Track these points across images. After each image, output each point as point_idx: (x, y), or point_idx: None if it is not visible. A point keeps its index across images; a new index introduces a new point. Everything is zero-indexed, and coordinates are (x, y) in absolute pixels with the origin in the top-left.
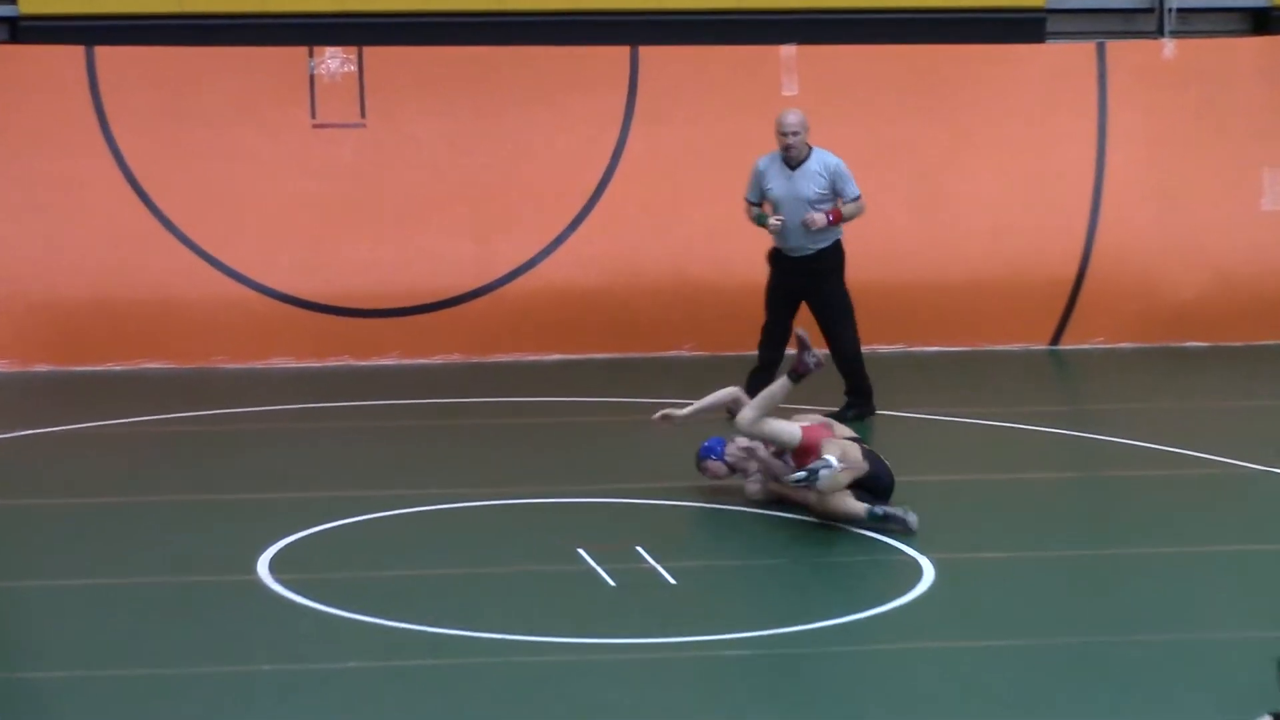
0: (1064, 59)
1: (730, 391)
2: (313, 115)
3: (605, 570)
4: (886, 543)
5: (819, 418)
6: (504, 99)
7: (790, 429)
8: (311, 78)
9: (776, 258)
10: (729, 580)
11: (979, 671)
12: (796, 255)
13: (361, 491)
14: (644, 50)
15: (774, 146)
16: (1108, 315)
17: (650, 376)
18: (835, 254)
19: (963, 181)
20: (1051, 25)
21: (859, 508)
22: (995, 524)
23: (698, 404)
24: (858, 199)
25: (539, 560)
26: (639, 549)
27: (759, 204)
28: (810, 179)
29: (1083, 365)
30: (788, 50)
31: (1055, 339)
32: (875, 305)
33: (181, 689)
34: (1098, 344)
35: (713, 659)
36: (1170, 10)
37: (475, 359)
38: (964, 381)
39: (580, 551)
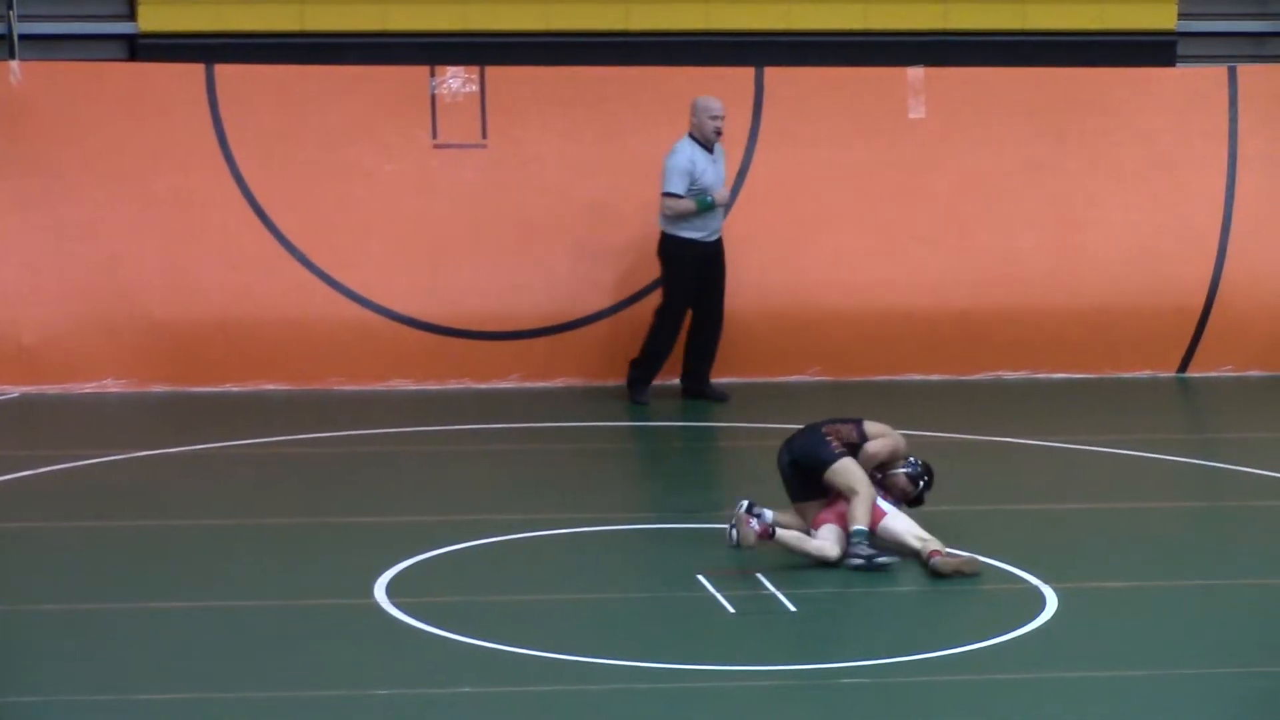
0: (1195, 83)
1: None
2: (434, 135)
3: (725, 597)
4: (1009, 571)
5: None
6: (627, 120)
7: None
8: (433, 97)
9: (690, 249)
10: (850, 608)
11: (1102, 702)
12: (712, 239)
13: (480, 515)
14: (769, 71)
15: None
16: (1237, 343)
17: (771, 402)
18: None
19: (1091, 206)
20: (1182, 49)
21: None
22: (1119, 553)
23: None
24: None
25: (658, 586)
26: (759, 575)
27: (683, 195)
28: (721, 161)
29: (1211, 393)
30: (915, 72)
31: (1183, 366)
32: (1001, 331)
33: (297, 713)
34: (1226, 372)
35: (833, 687)
36: None
37: (596, 383)
38: (1090, 409)
39: (700, 578)
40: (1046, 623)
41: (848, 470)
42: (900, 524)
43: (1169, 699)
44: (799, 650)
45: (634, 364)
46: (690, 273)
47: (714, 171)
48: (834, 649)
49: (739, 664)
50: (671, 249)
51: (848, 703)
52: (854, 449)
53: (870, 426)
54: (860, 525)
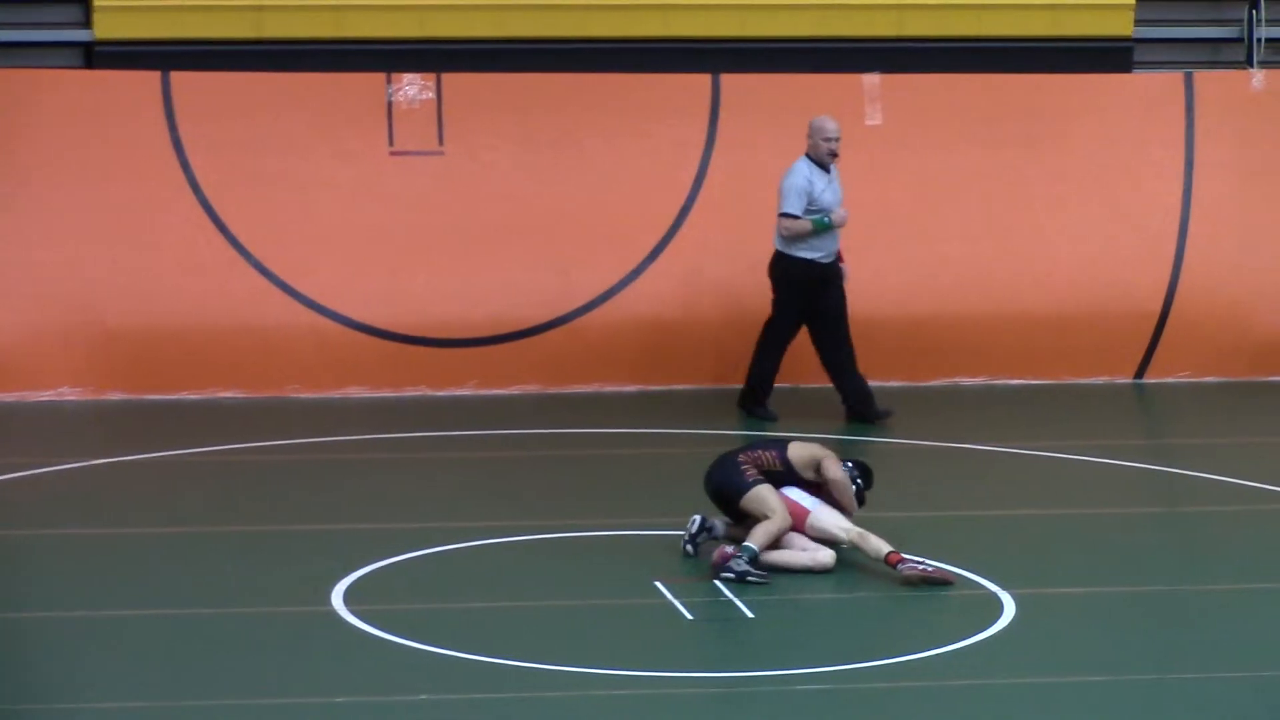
0: (1151, 89)
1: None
2: (390, 142)
3: (682, 604)
4: (967, 577)
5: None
6: (584, 127)
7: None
8: (389, 104)
9: (808, 270)
10: (807, 614)
11: (1059, 707)
12: (828, 260)
13: (437, 523)
14: (725, 78)
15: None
16: (1194, 349)
17: (732, 408)
18: None
19: (1048, 212)
20: (1139, 55)
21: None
22: (1076, 559)
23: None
24: None
25: (615, 593)
26: (716, 582)
27: (800, 216)
28: (837, 181)
29: (1168, 399)
30: (871, 79)
31: (1140, 372)
32: (958, 337)
33: None
34: (1183, 378)
35: (790, 693)
36: (1259, 40)
37: (553, 390)
38: (1047, 415)
39: (658, 584)
40: (1004, 628)
41: (761, 499)
42: (825, 517)
43: (1126, 704)
44: (756, 657)
45: (745, 392)
46: (803, 293)
47: (832, 191)
48: (791, 655)
49: (696, 670)
50: (789, 269)
51: (805, 709)
52: (774, 475)
53: (795, 451)
54: (751, 545)
